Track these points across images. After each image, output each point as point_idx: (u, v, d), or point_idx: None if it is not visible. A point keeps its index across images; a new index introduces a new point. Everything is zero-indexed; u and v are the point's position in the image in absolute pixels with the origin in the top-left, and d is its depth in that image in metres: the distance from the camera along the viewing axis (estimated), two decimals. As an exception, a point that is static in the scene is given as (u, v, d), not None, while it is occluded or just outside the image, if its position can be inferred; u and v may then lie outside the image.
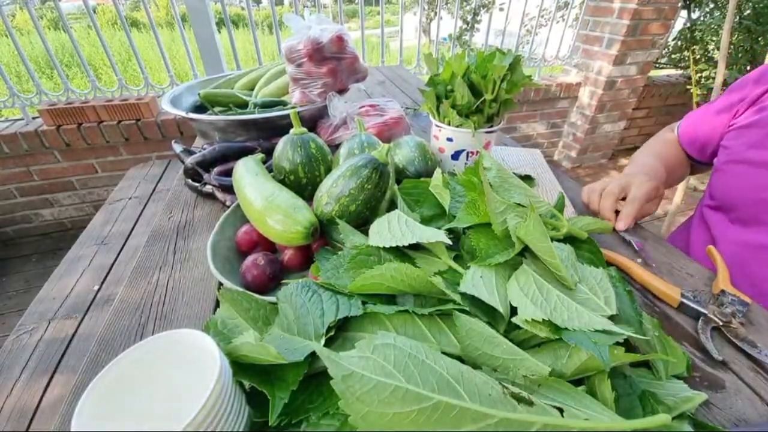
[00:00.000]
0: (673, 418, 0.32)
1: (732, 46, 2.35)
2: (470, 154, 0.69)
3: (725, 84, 1.82)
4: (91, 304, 0.94)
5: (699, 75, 2.48)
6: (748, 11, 2.34)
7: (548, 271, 0.40)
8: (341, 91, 0.86)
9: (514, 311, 0.36)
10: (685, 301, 0.47)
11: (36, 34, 1.63)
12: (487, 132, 0.67)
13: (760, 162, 0.58)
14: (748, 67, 2.39)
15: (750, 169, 0.60)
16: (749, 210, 0.61)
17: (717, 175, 0.66)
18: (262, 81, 0.97)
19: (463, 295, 0.37)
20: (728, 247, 0.61)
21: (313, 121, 0.85)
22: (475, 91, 0.63)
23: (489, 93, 0.62)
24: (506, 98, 0.64)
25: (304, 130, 0.61)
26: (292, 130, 0.60)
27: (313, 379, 0.33)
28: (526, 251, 0.43)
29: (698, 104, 2.31)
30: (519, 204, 0.46)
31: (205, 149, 0.74)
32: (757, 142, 0.59)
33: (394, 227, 0.43)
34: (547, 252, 0.38)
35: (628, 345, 0.37)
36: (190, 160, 0.72)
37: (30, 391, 0.73)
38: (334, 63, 0.81)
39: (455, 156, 0.69)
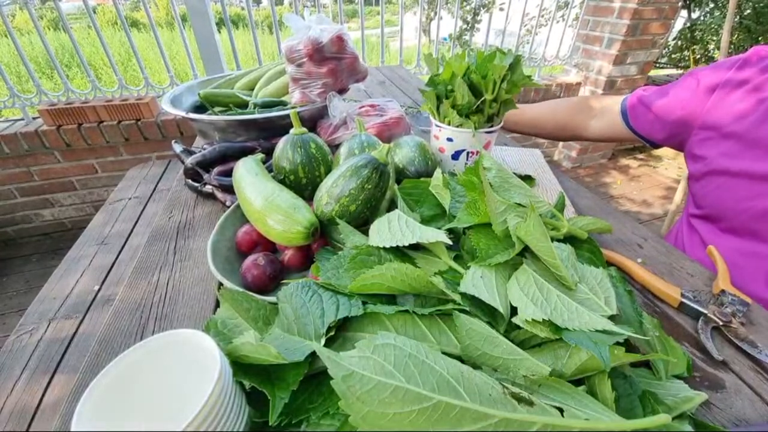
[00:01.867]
0: (674, 418, 0.32)
1: (732, 46, 2.35)
2: (470, 154, 0.69)
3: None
4: (91, 304, 0.94)
5: (699, 75, 2.47)
6: (748, 11, 2.34)
7: (548, 271, 0.40)
8: (341, 91, 0.86)
9: (514, 311, 0.36)
10: (685, 301, 0.47)
11: (36, 34, 1.63)
12: (487, 132, 0.67)
13: (741, 173, 0.58)
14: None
15: (731, 180, 0.60)
16: (737, 220, 0.61)
17: (699, 185, 0.66)
18: (262, 81, 0.97)
19: (464, 295, 0.37)
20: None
21: (313, 121, 0.85)
22: (475, 91, 0.63)
23: (489, 93, 0.62)
24: (506, 98, 0.64)
25: (304, 130, 0.60)
26: (292, 130, 0.60)
27: (313, 379, 0.33)
28: (526, 251, 0.43)
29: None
30: (519, 204, 0.46)
31: (205, 149, 0.74)
32: (737, 152, 0.59)
33: (394, 227, 0.43)
34: (548, 252, 0.38)
35: (629, 345, 0.37)
36: (190, 160, 0.72)
37: (30, 391, 0.73)
38: (334, 63, 0.81)
39: (455, 156, 0.69)
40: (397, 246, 0.41)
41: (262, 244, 0.54)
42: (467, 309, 0.36)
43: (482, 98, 0.62)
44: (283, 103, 0.88)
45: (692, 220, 0.70)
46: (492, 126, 0.67)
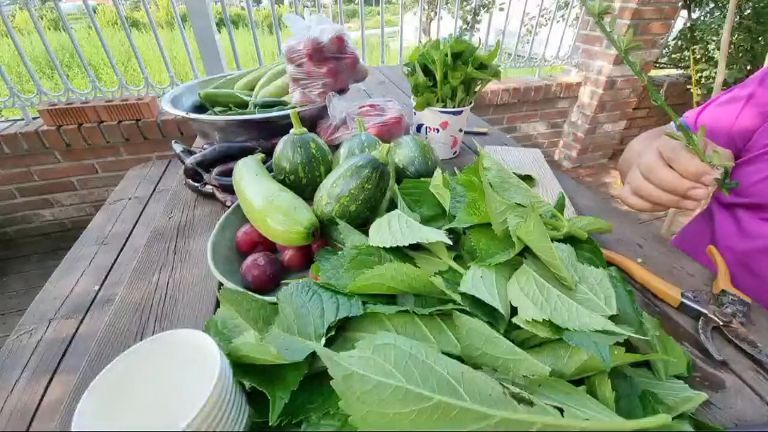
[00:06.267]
0: (674, 418, 0.32)
1: (732, 46, 2.35)
2: (429, 129, 0.80)
3: (725, 84, 1.82)
4: (91, 305, 0.94)
5: (699, 75, 2.48)
6: (748, 11, 2.34)
7: (548, 271, 0.40)
8: (341, 91, 0.86)
9: (514, 311, 0.36)
10: (685, 301, 0.47)
11: (36, 34, 1.63)
12: (441, 111, 0.76)
13: None
14: (749, 67, 2.39)
15: None
16: None
17: (746, 171, 0.62)
18: (262, 81, 0.97)
19: (464, 295, 0.37)
20: (761, 242, 0.59)
21: (313, 121, 0.85)
22: (432, 74, 0.74)
23: (439, 74, 0.73)
24: (455, 84, 0.73)
25: (304, 130, 0.60)
26: (292, 130, 0.60)
27: (313, 379, 0.33)
28: (526, 251, 0.43)
29: (698, 104, 2.32)
30: (519, 204, 0.46)
31: (205, 149, 0.74)
32: None
33: (394, 227, 0.43)
34: (548, 252, 0.38)
35: (629, 345, 0.37)
36: (190, 160, 0.72)
37: (30, 391, 0.73)
38: (334, 63, 0.81)
39: (418, 128, 0.83)
40: (397, 246, 0.41)
41: (262, 244, 0.54)
42: (467, 309, 0.36)
43: (435, 80, 0.73)
44: (283, 103, 0.88)
45: (734, 209, 0.67)
46: (445, 107, 0.76)
